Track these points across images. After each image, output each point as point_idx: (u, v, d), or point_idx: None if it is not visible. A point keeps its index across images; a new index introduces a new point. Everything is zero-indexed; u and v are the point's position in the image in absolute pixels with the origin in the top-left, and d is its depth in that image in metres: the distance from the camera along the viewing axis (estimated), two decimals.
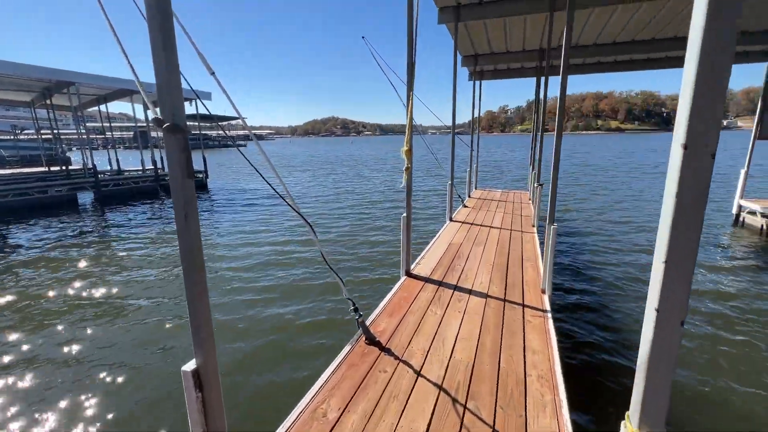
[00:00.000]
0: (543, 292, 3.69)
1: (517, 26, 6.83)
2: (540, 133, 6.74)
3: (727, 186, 14.25)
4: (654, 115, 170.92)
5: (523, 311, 3.31)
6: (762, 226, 7.98)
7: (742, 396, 3.32)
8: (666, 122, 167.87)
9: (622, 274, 6.10)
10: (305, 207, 12.12)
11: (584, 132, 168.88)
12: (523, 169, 24.30)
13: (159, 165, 16.11)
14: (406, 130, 3.62)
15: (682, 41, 7.34)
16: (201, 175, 17.30)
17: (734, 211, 8.91)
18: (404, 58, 3.70)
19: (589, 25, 6.70)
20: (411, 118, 3.65)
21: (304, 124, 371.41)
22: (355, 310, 2.76)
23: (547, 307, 3.39)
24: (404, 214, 4.01)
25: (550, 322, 3.09)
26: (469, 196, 9.32)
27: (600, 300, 5.16)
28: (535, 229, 6.09)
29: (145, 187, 15.62)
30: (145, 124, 20.39)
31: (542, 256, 4.47)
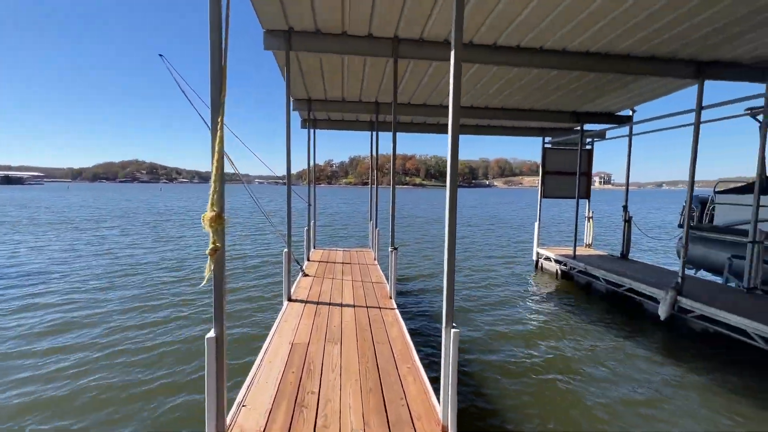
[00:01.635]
0: (439, 425, 2.44)
1: (356, 72, 6.17)
2: (375, 186, 6.24)
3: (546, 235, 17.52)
4: (444, 175, 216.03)
5: None
6: (557, 270, 9.41)
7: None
8: None
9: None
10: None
11: (396, 186, 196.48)
12: (351, 218, 24.73)
13: None
14: (212, 176, 1.93)
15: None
16: None
17: (534, 258, 10.42)
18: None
19: (424, 83, 6.64)
20: (221, 152, 1.98)
21: (93, 167, 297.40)
22: None
23: None
24: (211, 334, 2.14)
25: None
26: (309, 260, 7.83)
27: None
28: (394, 303, 5.03)
29: None
30: None
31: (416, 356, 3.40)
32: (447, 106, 8.04)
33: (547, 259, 9.82)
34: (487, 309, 7.13)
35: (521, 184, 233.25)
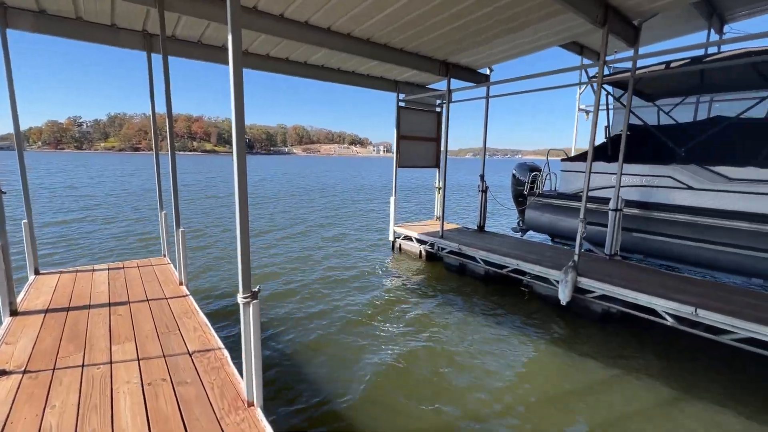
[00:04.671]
0: None
1: None
2: (155, 152, 5.13)
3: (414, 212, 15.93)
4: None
5: None
6: (420, 251, 8.15)
7: None
8: (250, 147, 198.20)
9: None
10: None
11: (182, 152, 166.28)
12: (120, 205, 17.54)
13: None
14: None
15: None
16: None
17: (391, 238, 8.89)
18: None
19: None
20: None
21: None
22: None
23: None
24: None
25: None
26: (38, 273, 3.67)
27: None
28: (185, 290, 4.04)
29: None
30: None
31: None
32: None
33: (408, 238, 8.46)
34: (332, 311, 5.04)
35: (319, 152, 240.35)
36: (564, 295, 5.27)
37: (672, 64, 5.96)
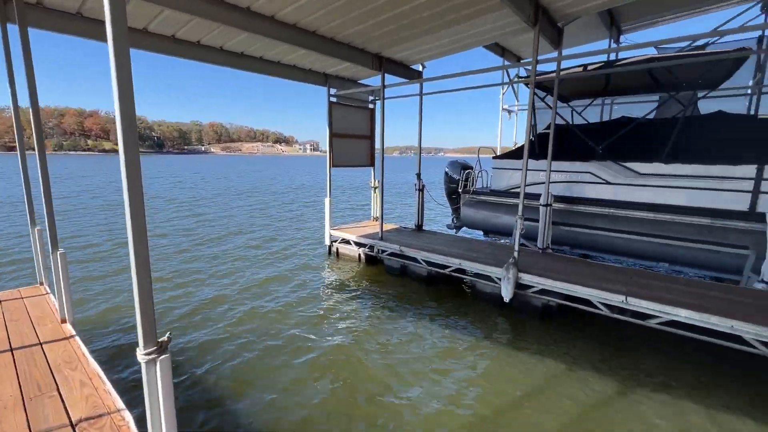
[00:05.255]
0: None
1: None
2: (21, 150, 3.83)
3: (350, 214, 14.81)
4: (147, 139, 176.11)
5: None
6: (359, 255, 7.76)
7: None
8: (159, 146, 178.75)
9: None
10: None
11: (73, 152, 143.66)
12: None
13: None
14: None
15: None
16: None
17: (327, 242, 8.34)
18: None
19: None
20: None
21: None
22: None
23: None
24: None
25: None
26: None
27: None
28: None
29: None
30: None
31: None
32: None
33: (346, 242, 8.00)
34: (264, 335, 4.49)
35: (240, 151, 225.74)
36: (507, 292, 5.29)
37: (588, 68, 6.36)
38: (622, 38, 9.99)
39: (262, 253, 8.59)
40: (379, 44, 6.26)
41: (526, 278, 5.28)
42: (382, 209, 7.41)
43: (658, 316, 4.33)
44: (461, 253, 6.31)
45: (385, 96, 7.33)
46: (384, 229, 7.68)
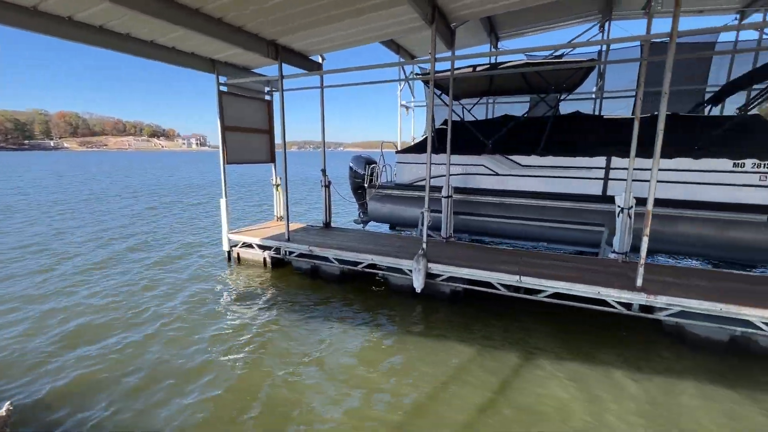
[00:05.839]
0: None
1: None
2: None
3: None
4: None
5: None
6: (264, 259, 7.18)
7: None
8: None
9: None
10: None
11: None
12: None
13: None
14: None
15: None
16: None
17: (225, 247, 7.52)
18: None
19: None
20: None
21: None
22: None
23: None
24: None
25: None
26: None
27: None
28: None
29: None
30: None
31: None
32: None
33: (248, 246, 7.33)
34: (154, 374, 3.98)
35: (106, 146, 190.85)
36: (418, 283, 5.47)
37: (477, 68, 6.91)
38: (499, 44, 11.19)
39: (147, 266, 7.34)
40: (275, 30, 5.80)
41: (435, 268, 5.53)
42: (287, 208, 6.96)
43: (545, 290, 4.95)
44: (373, 249, 6.32)
45: (285, 88, 6.87)
46: (291, 229, 7.26)
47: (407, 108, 12.64)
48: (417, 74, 9.68)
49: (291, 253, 6.79)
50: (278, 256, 6.99)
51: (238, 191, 20.53)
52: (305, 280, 6.62)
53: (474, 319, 5.19)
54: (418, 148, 8.46)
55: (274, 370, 3.97)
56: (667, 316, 4.44)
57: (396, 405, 3.46)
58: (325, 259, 6.46)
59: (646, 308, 4.58)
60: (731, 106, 8.98)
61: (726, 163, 5.96)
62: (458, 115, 8.12)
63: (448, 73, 6.42)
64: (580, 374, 3.92)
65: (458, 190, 7.45)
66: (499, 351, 4.39)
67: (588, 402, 3.49)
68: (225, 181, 7.28)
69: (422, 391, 3.65)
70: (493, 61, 8.00)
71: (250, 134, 7.64)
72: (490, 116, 11.63)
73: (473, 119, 9.03)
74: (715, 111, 9.21)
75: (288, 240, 6.83)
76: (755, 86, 7.29)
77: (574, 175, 6.81)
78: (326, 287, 6.30)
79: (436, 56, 5.34)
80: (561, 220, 6.82)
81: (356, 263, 6.22)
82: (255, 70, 7.67)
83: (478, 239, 7.62)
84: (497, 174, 7.37)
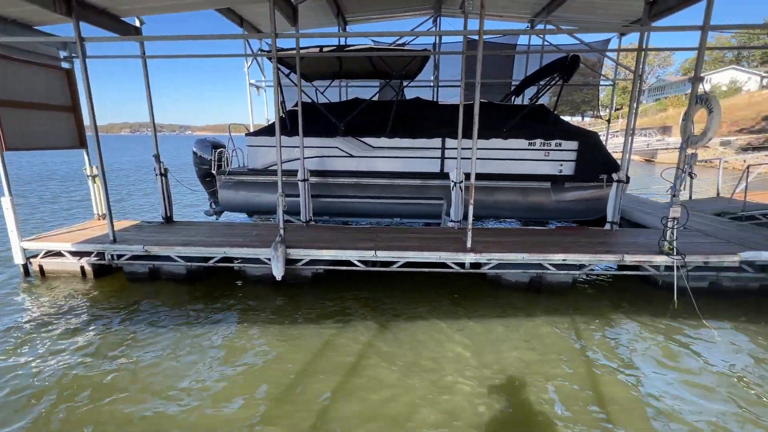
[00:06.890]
0: None
1: None
2: None
3: None
4: None
5: None
6: (82, 268, 5.80)
7: None
8: None
9: None
10: None
11: None
12: None
13: None
14: None
15: None
16: None
17: (19, 260, 5.77)
18: None
19: None
20: None
21: None
22: None
23: None
24: None
25: None
26: None
27: None
28: None
29: None
30: None
31: None
32: None
33: (56, 254, 5.79)
34: None
35: None
36: (278, 271, 5.29)
37: (324, 49, 6.87)
38: (348, 28, 11.35)
39: None
40: None
41: (295, 253, 5.43)
42: (108, 203, 5.72)
43: (397, 261, 5.42)
44: (224, 241, 5.79)
45: (89, 54, 5.48)
46: (118, 228, 6.04)
47: (258, 88, 11.79)
48: (262, 50, 9.06)
49: (120, 256, 5.68)
50: (102, 262, 5.75)
51: (38, 188, 16.01)
52: (144, 287, 5.64)
53: (335, 298, 5.31)
54: (270, 130, 8.02)
55: (103, 393, 3.30)
56: (489, 269, 5.42)
57: (252, 403, 3.32)
58: (167, 258, 5.62)
59: (476, 265, 5.49)
60: (528, 96, 11.29)
61: (523, 143, 7.49)
62: (309, 97, 7.99)
63: (294, 51, 6.18)
64: (427, 325, 4.47)
65: (315, 173, 7.41)
66: (356, 322, 4.63)
67: (434, 341, 4.02)
68: (6, 173, 5.50)
69: (288, 378, 3.59)
70: (341, 43, 8.08)
71: (42, 111, 5.94)
72: (343, 99, 11.83)
73: (327, 101, 9.03)
74: (519, 101, 11.44)
75: (114, 241, 5.67)
76: (540, 82, 9.28)
77: (417, 155, 7.55)
78: (171, 290, 5.52)
79: (280, 33, 5.07)
80: (409, 196, 7.52)
81: (207, 258, 5.62)
82: (39, 28, 5.91)
83: (340, 221, 7.80)
84: (352, 156, 7.61)
